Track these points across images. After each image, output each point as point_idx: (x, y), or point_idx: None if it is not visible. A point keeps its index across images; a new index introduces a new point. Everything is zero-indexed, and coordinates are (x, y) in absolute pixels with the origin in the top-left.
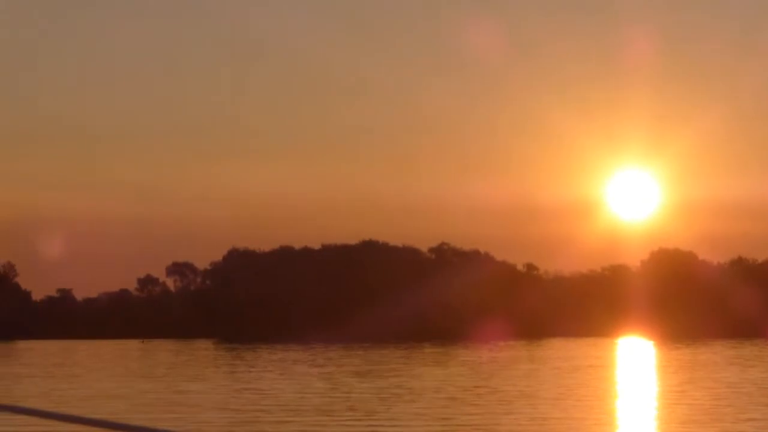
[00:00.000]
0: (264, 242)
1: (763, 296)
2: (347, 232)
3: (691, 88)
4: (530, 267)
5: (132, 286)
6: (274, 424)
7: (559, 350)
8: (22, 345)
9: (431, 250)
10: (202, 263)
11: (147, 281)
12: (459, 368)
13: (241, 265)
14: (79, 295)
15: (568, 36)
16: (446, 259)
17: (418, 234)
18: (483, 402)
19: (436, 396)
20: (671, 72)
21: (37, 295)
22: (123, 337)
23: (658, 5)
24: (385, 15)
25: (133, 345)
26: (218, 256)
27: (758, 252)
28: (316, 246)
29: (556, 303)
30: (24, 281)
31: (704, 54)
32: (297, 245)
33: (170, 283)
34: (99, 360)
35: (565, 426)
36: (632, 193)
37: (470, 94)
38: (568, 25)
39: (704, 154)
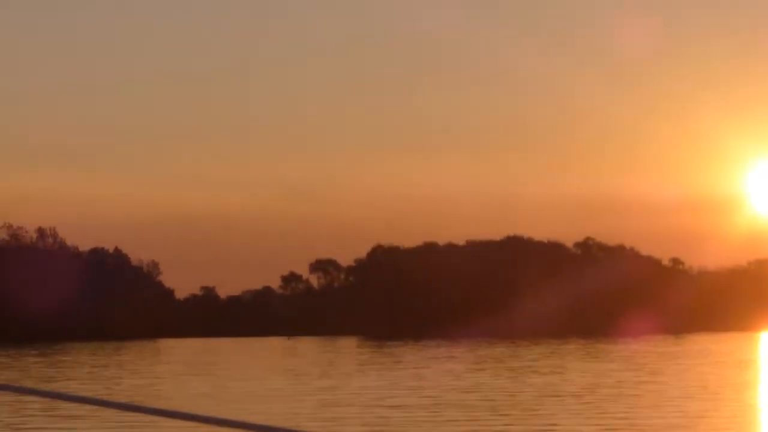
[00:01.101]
0: (408, 238)
1: None
2: (492, 227)
3: None
4: (676, 261)
5: (275, 283)
6: (443, 422)
7: (711, 344)
8: (166, 343)
9: (576, 245)
10: (345, 260)
11: (290, 278)
12: (618, 363)
13: (385, 261)
14: (223, 293)
15: (713, 30)
16: (592, 254)
17: (564, 229)
18: (660, 398)
19: (601, 392)
20: None
21: (181, 294)
22: (266, 335)
23: None
24: (540, 12)
25: (278, 342)
26: (362, 252)
27: None
28: (461, 242)
29: (701, 298)
30: (167, 279)
31: None
32: (441, 241)
33: (314, 280)
34: (251, 358)
35: (738, 423)
36: None
37: (617, 90)
38: (714, 19)
39: None
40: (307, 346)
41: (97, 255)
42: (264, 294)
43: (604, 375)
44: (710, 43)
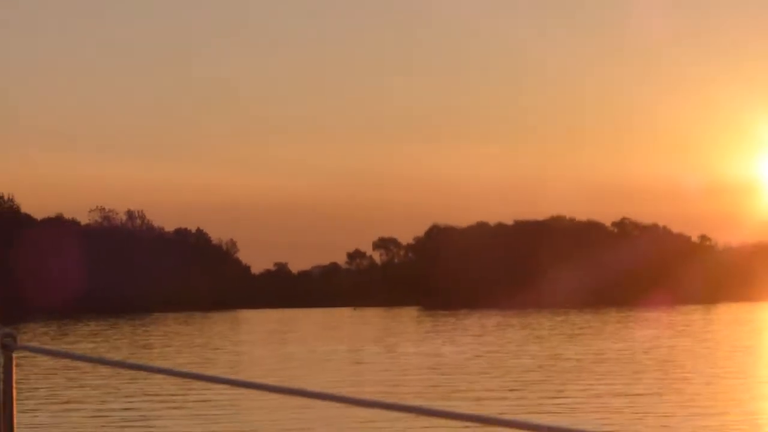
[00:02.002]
0: (462, 219)
1: None
2: (537, 208)
3: None
4: (704, 238)
5: (342, 259)
6: (527, 383)
7: (739, 313)
8: (245, 314)
9: (614, 224)
10: (405, 238)
11: (355, 255)
12: (666, 330)
13: (441, 239)
14: (294, 268)
15: (734, 18)
16: (627, 232)
17: (602, 210)
18: (714, 357)
19: (664, 354)
20: None
21: (256, 269)
22: (333, 306)
23: None
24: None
25: (345, 312)
26: (420, 231)
27: None
28: (509, 221)
29: (726, 271)
30: (244, 256)
31: None
32: (492, 221)
33: (376, 257)
34: (326, 327)
35: None
36: None
37: (646, 76)
38: (734, 5)
39: None
40: (372, 315)
41: (181, 235)
42: (331, 269)
43: (659, 340)
44: (730, 31)
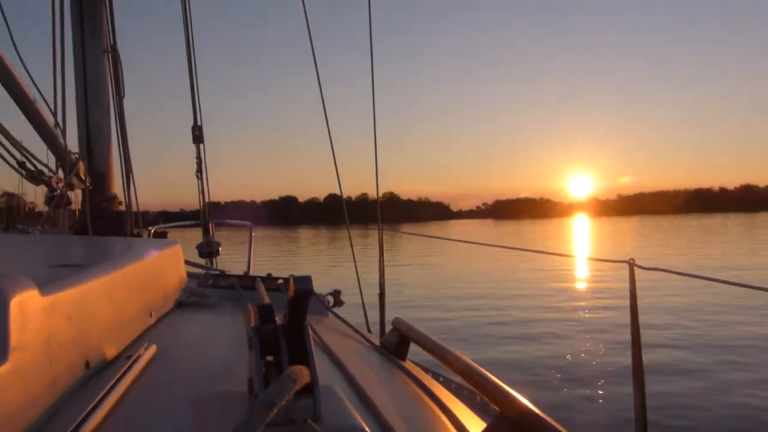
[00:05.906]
0: (505, 196)
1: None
2: (523, 193)
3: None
4: (561, 201)
5: (476, 206)
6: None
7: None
8: (452, 222)
9: (540, 198)
10: (491, 200)
11: (476, 208)
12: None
13: (500, 204)
14: (465, 208)
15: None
16: (545, 202)
17: (539, 193)
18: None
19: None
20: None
21: (454, 209)
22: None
23: (626, 16)
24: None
25: (481, 221)
26: (493, 200)
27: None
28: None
29: (566, 209)
30: (453, 206)
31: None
32: (512, 197)
33: (483, 206)
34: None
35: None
36: (579, 181)
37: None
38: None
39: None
40: (485, 222)
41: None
42: (476, 209)
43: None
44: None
